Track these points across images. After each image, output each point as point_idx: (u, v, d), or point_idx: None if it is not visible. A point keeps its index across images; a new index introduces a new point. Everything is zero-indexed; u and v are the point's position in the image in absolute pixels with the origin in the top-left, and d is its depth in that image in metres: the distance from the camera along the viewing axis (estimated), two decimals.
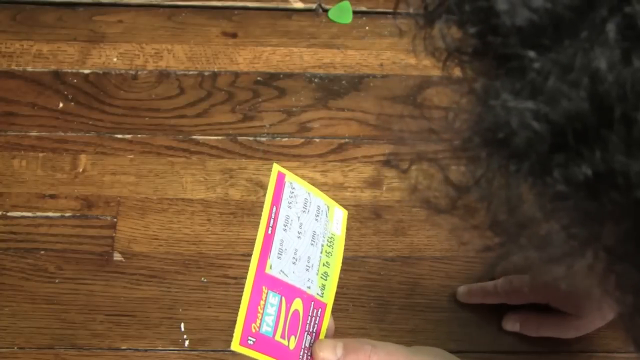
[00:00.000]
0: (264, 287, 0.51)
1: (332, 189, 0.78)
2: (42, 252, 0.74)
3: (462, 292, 0.73)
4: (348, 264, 0.74)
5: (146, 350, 0.71)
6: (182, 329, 0.71)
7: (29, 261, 0.74)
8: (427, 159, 0.36)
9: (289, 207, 0.53)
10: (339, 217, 0.58)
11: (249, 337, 0.49)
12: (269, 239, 0.51)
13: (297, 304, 0.53)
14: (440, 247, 0.76)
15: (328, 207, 0.57)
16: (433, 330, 0.72)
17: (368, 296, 0.74)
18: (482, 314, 0.72)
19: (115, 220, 0.76)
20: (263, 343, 0.50)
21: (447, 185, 0.35)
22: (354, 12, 0.88)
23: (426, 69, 0.85)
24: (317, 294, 0.55)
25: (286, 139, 0.81)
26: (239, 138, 0.81)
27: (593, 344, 0.71)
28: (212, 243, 0.75)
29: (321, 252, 0.55)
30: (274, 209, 0.52)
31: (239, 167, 0.79)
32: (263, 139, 0.81)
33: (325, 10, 0.88)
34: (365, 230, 0.76)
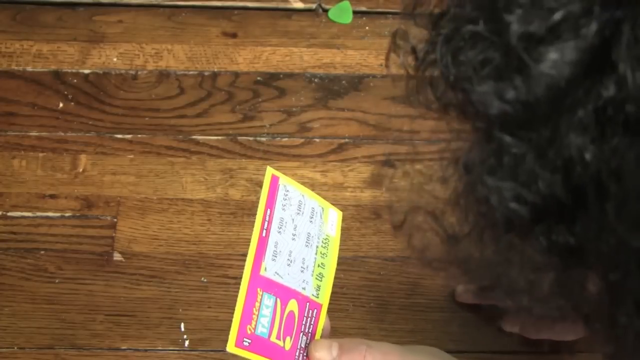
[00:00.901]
0: (258, 289, 0.51)
1: (332, 189, 0.78)
2: (42, 252, 0.74)
3: (460, 292, 0.73)
4: (348, 264, 0.74)
5: (146, 350, 0.71)
6: (182, 329, 0.72)
7: (29, 261, 0.74)
8: (421, 210, 0.38)
9: (283, 209, 0.54)
10: (333, 218, 0.58)
11: (245, 339, 0.50)
12: (263, 241, 0.52)
13: (293, 305, 0.53)
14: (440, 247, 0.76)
15: (322, 208, 0.57)
16: (433, 330, 0.72)
17: (368, 296, 0.74)
18: (482, 314, 0.72)
19: (115, 220, 0.76)
20: (258, 344, 0.50)
21: (441, 236, 0.37)
22: (354, 12, 0.88)
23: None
24: (312, 294, 0.55)
25: (286, 139, 0.81)
26: (239, 138, 0.81)
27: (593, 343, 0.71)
28: (212, 243, 0.75)
29: (316, 254, 0.56)
30: (268, 211, 0.53)
31: (239, 167, 0.79)
32: (263, 139, 0.81)
33: (325, 10, 0.88)
34: (365, 230, 0.76)
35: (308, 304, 0.55)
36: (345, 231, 0.76)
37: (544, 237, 0.32)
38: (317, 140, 0.81)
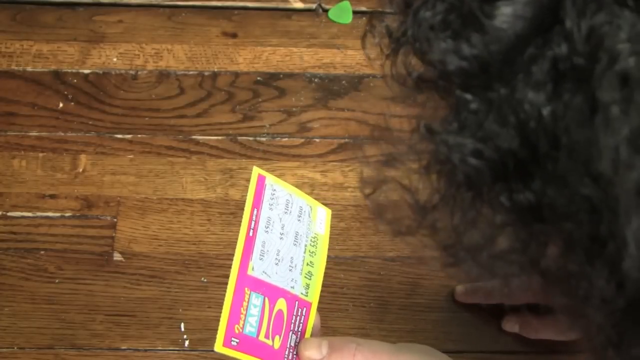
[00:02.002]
0: (246, 289, 0.51)
1: (332, 189, 0.78)
2: (42, 252, 0.74)
3: (460, 292, 0.73)
4: (348, 264, 0.74)
5: (146, 350, 0.71)
6: (182, 329, 0.72)
7: (29, 261, 0.74)
8: (391, 181, 0.39)
9: (270, 209, 0.54)
10: (322, 216, 0.58)
11: (232, 338, 0.50)
12: (250, 241, 0.52)
13: (281, 304, 0.53)
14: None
15: (311, 207, 0.58)
16: (432, 330, 0.72)
17: (368, 296, 0.74)
18: (482, 314, 0.72)
19: (115, 220, 0.76)
20: (247, 343, 0.50)
21: (411, 206, 0.38)
22: (354, 12, 0.88)
23: None
24: (302, 293, 0.55)
25: (286, 139, 0.81)
26: (239, 138, 0.81)
27: None
28: (212, 243, 0.75)
29: (304, 252, 0.56)
30: (255, 211, 0.53)
31: (239, 167, 0.79)
32: (263, 139, 0.81)
33: (325, 10, 0.88)
34: (365, 230, 0.76)
35: (297, 302, 0.55)
36: (345, 231, 0.76)
37: (505, 196, 0.34)
38: (317, 140, 0.81)
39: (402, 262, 0.75)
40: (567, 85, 0.31)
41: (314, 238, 0.57)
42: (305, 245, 0.56)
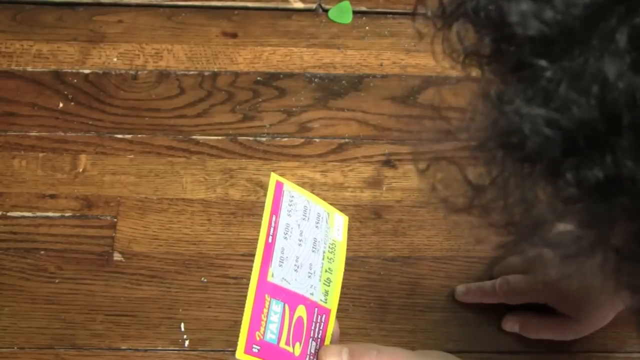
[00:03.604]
0: (266, 295, 0.51)
1: (332, 189, 0.78)
2: (42, 252, 0.74)
3: (460, 292, 0.73)
4: (348, 264, 0.74)
5: (146, 350, 0.71)
6: (182, 329, 0.72)
7: (29, 261, 0.74)
8: (445, 159, 0.37)
9: (289, 215, 0.54)
10: (339, 223, 0.58)
11: (254, 345, 0.50)
12: (269, 248, 0.52)
13: (301, 311, 0.53)
14: (440, 247, 0.76)
15: (328, 213, 0.58)
16: (433, 330, 0.72)
17: (368, 296, 0.74)
18: (482, 314, 0.72)
19: (115, 220, 0.76)
20: (268, 350, 0.50)
21: (465, 185, 0.36)
22: (354, 12, 0.88)
23: (426, 69, 0.85)
24: (321, 299, 0.55)
25: (286, 139, 0.81)
26: (239, 138, 0.81)
27: (592, 344, 0.71)
28: (212, 243, 0.75)
29: (323, 259, 0.56)
30: (274, 217, 0.53)
31: (239, 167, 0.79)
32: (263, 139, 0.81)
33: (325, 10, 0.88)
34: (365, 230, 0.76)
35: (317, 309, 0.55)
36: None
37: (572, 172, 0.32)
38: (317, 140, 0.81)
39: (402, 262, 0.75)
40: None
41: (332, 244, 0.57)
42: (324, 252, 0.56)
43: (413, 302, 0.74)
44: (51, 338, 0.71)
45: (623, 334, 0.72)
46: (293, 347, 0.52)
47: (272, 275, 0.52)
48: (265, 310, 0.51)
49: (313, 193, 0.77)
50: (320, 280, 0.55)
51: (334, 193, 0.78)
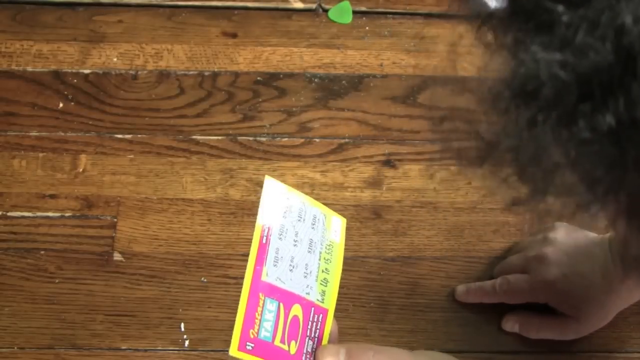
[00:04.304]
0: (260, 294, 0.51)
1: (332, 189, 0.78)
2: (42, 252, 0.74)
3: (460, 292, 0.73)
4: (348, 264, 0.74)
5: (146, 350, 0.71)
6: (182, 329, 0.72)
7: (29, 261, 0.74)
8: (459, 115, 0.38)
9: (284, 217, 0.54)
10: (337, 225, 0.58)
11: (247, 343, 0.50)
12: (263, 248, 0.52)
13: (297, 310, 0.53)
14: (440, 247, 0.76)
15: (325, 216, 0.58)
16: (433, 330, 0.72)
17: (368, 296, 0.74)
18: (482, 314, 0.73)
19: (115, 220, 0.76)
20: (262, 348, 0.51)
21: (478, 139, 0.37)
22: (354, 12, 0.88)
23: (426, 69, 0.85)
24: (317, 299, 0.55)
25: (286, 139, 0.81)
26: (239, 138, 0.81)
27: (592, 344, 0.72)
28: (212, 243, 0.75)
29: (319, 259, 0.56)
30: (268, 219, 0.53)
31: (239, 167, 0.79)
32: (263, 139, 0.81)
33: (325, 10, 0.88)
34: (365, 230, 0.76)
35: (313, 308, 0.55)
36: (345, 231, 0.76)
37: (586, 117, 0.33)
38: (317, 140, 0.81)
39: (402, 262, 0.75)
40: None
41: (329, 245, 0.57)
42: (320, 252, 0.56)
43: (413, 302, 0.74)
44: (51, 338, 0.71)
45: (623, 334, 0.72)
46: (288, 345, 0.52)
47: (267, 275, 0.52)
48: (259, 309, 0.51)
49: (313, 193, 0.77)
50: (316, 281, 0.55)
51: (334, 193, 0.78)
